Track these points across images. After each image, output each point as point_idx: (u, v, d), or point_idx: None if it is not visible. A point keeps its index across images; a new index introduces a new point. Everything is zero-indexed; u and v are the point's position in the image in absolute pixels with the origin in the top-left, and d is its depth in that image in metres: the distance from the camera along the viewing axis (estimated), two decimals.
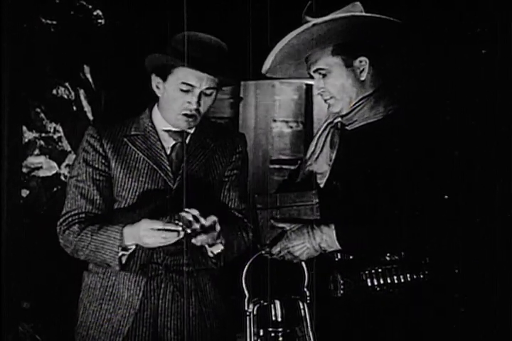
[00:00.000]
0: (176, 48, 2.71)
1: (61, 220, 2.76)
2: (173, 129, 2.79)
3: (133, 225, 2.63)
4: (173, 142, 2.80)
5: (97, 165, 2.77)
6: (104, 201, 2.77)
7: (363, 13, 2.68)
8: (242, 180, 2.89)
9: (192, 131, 2.82)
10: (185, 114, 2.73)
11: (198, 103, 2.71)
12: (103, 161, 2.77)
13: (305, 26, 2.67)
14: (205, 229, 2.59)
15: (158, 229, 2.55)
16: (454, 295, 2.72)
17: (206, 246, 2.71)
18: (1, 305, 3.48)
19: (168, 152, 2.79)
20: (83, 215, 2.74)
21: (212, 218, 2.60)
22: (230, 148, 2.87)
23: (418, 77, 3.11)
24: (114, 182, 2.77)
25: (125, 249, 2.67)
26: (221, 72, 2.71)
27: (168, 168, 2.77)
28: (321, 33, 2.66)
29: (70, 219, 2.74)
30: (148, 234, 2.57)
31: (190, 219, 2.57)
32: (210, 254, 2.75)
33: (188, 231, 2.56)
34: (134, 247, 2.69)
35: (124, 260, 2.69)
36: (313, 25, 2.65)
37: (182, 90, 2.70)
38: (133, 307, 2.74)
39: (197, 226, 2.57)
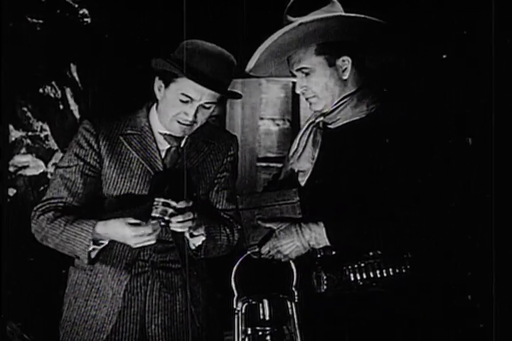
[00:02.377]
0: (183, 57, 2.70)
1: (38, 206, 2.76)
2: (169, 133, 2.79)
3: (107, 223, 2.64)
4: (168, 146, 2.80)
5: (88, 160, 2.77)
6: (87, 196, 2.77)
7: (350, 14, 2.70)
8: (231, 181, 2.91)
9: (186, 135, 2.82)
10: (180, 122, 2.73)
11: (195, 115, 2.71)
12: (95, 158, 2.77)
13: (291, 26, 2.68)
14: (179, 211, 2.61)
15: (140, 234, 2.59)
16: (438, 289, 2.75)
17: (188, 236, 2.74)
18: None
19: (163, 155, 2.80)
20: (61, 204, 2.74)
21: (185, 202, 2.63)
22: (223, 151, 2.89)
23: (400, 75, 3.13)
24: (105, 180, 2.78)
25: (96, 243, 2.69)
26: (224, 89, 2.72)
27: (162, 169, 2.77)
28: (307, 32, 2.68)
29: (47, 205, 2.75)
30: (137, 240, 2.60)
31: (162, 207, 2.59)
32: (192, 246, 2.77)
33: (166, 218, 2.60)
34: (106, 243, 2.71)
35: (93, 254, 2.71)
36: (300, 24, 2.67)
37: (181, 100, 2.70)
38: (117, 306, 2.76)
39: (170, 210, 2.60)
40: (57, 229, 2.69)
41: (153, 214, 2.60)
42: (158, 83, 2.76)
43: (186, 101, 2.70)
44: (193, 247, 2.77)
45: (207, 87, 2.65)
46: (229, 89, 2.79)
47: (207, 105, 2.71)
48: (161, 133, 2.79)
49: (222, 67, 2.70)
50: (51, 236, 2.71)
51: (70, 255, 2.74)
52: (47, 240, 2.73)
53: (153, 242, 2.63)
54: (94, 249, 2.70)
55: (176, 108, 2.71)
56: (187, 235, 2.74)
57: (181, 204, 2.62)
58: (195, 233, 2.72)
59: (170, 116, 2.73)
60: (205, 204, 2.85)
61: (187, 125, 2.73)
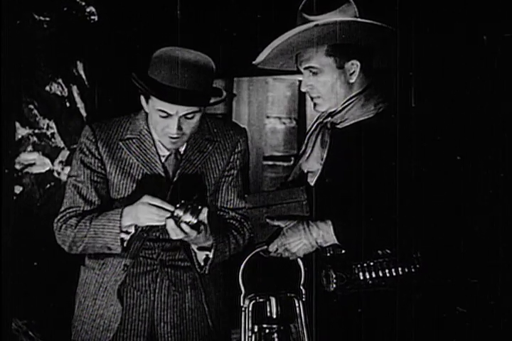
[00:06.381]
0: (153, 74, 2.65)
1: (58, 217, 2.76)
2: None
3: (133, 204, 2.65)
4: (168, 152, 2.79)
5: (94, 168, 2.77)
6: (102, 202, 2.77)
7: (365, 20, 2.70)
8: (241, 178, 2.88)
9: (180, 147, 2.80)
10: (169, 136, 2.70)
11: (179, 127, 2.66)
12: (99, 164, 2.77)
13: (306, 26, 2.68)
14: (191, 226, 2.59)
15: (155, 206, 2.58)
16: (447, 289, 2.75)
17: (195, 249, 2.73)
18: None
19: (163, 159, 2.78)
20: (80, 211, 2.75)
21: (195, 222, 2.60)
22: (229, 149, 2.85)
23: (409, 75, 3.13)
24: (110, 185, 2.78)
25: (125, 232, 2.68)
26: (200, 103, 2.66)
27: (163, 174, 2.76)
28: (321, 34, 2.68)
29: (67, 215, 2.75)
30: (144, 208, 2.60)
31: (190, 208, 2.57)
32: (200, 258, 2.76)
33: (178, 216, 2.57)
34: (132, 231, 2.70)
35: (125, 243, 2.70)
36: (315, 26, 2.67)
37: (160, 116, 2.65)
38: (118, 306, 2.77)
39: (187, 219, 2.57)
40: (84, 229, 2.70)
41: (176, 206, 2.59)
42: (142, 98, 2.73)
43: (166, 116, 2.66)
44: (203, 257, 2.75)
45: (175, 104, 2.61)
46: (214, 87, 2.73)
47: (189, 115, 2.67)
48: (159, 141, 2.78)
49: (195, 77, 2.63)
50: (80, 239, 2.71)
51: (103, 250, 2.72)
52: (76, 245, 2.73)
53: (154, 220, 2.60)
54: (123, 239, 2.69)
55: (159, 123, 2.68)
56: (194, 248, 2.74)
57: (193, 219, 2.59)
58: (204, 245, 2.71)
59: (158, 130, 2.72)
60: (213, 211, 2.82)
61: (176, 138, 2.70)
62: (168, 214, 2.59)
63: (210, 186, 2.82)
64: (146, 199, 2.61)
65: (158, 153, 2.78)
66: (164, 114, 2.64)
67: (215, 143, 2.84)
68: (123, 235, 2.68)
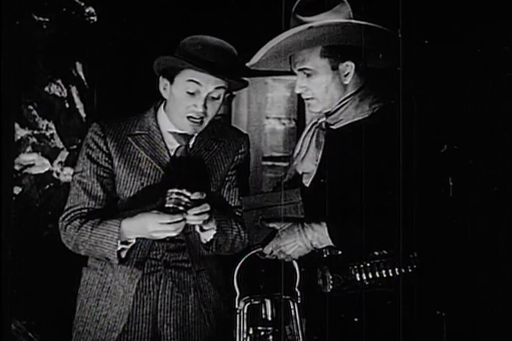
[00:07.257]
0: (185, 50, 2.71)
1: (63, 215, 2.77)
2: (179, 131, 2.79)
3: (132, 218, 2.66)
4: (177, 144, 2.81)
5: (100, 162, 2.77)
6: (107, 197, 2.78)
7: (360, 21, 2.70)
8: (242, 179, 2.90)
9: (197, 133, 2.83)
10: (191, 117, 2.73)
11: (205, 106, 2.70)
12: (106, 159, 2.78)
13: (301, 28, 2.68)
14: (195, 203, 2.62)
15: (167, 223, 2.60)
16: (443, 289, 2.75)
17: (198, 230, 2.74)
18: None
19: (172, 153, 2.80)
20: (85, 211, 2.75)
21: (200, 194, 2.63)
22: (233, 149, 2.89)
23: (403, 76, 3.14)
24: (116, 180, 2.78)
25: (125, 242, 2.69)
26: (230, 75, 2.71)
27: (171, 168, 2.77)
28: (316, 36, 2.68)
29: (72, 214, 2.75)
30: (159, 228, 2.61)
31: (176, 197, 2.60)
32: (203, 241, 2.77)
33: (181, 208, 2.60)
34: (134, 241, 2.71)
35: (123, 254, 2.71)
36: (310, 27, 2.66)
37: (188, 92, 2.70)
38: (128, 305, 2.75)
39: (185, 199, 2.60)
40: (85, 234, 2.70)
41: (167, 205, 2.61)
42: (162, 82, 2.77)
43: (193, 93, 2.70)
44: (204, 242, 2.77)
45: (212, 73, 2.67)
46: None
47: (215, 94, 2.72)
48: (170, 132, 2.79)
49: (225, 57, 2.71)
50: (81, 243, 2.72)
51: (102, 259, 2.74)
52: (78, 248, 2.75)
53: (172, 234, 2.64)
54: (123, 249, 2.71)
55: (184, 102, 2.71)
56: (197, 229, 2.74)
57: (196, 195, 2.62)
58: (205, 227, 2.72)
59: (181, 112, 2.73)
60: (217, 198, 2.84)
61: (198, 119, 2.72)
62: (183, 223, 2.61)
63: (215, 182, 2.85)
64: (155, 219, 2.62)
65: (167, 147, 2.80)
66: (194, 87, 2.69)
67: (220, 142, 2.88)
68: (123, 245, 2.70)
